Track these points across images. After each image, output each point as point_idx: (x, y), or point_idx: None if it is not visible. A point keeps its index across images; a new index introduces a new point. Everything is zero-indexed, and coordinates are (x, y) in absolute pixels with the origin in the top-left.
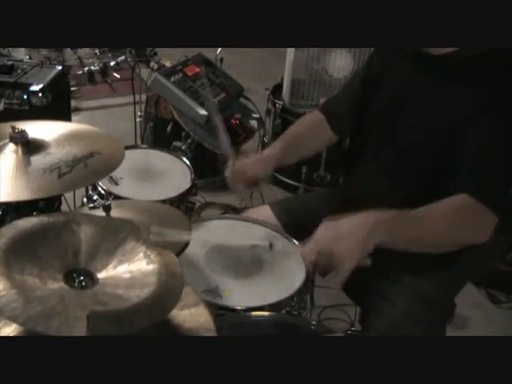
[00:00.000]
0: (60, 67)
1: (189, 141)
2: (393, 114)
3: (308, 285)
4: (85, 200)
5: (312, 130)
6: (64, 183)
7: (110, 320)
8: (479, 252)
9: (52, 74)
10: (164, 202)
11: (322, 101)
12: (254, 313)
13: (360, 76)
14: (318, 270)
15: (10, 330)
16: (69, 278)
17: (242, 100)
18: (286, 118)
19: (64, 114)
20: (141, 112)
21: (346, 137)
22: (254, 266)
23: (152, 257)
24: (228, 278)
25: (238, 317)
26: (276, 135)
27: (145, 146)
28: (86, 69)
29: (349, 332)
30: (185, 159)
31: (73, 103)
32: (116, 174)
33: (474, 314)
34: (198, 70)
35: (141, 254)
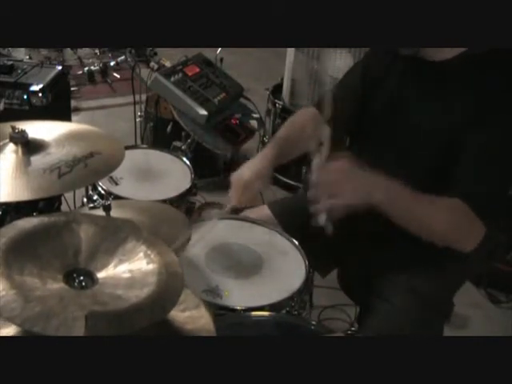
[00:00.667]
0: (60, 67)
1: (189, 141)
2: (393, 115)
3: (308, 285)
4: (85, 200)
5: (305, 127)
6: (64, 183)
7: (108, 320)
8: (478, 251)
9: (52, 74)
10: (164, 201)
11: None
12: (253, 313)
13: (358, 75)
14: (319, 191)
15: (9, 329)
16: (69, 278)
17: (242, 100)
18: (285, 118)
19: (64, 114)
20: (141, 112)
21: (341, 131)
22: (254, 266)
23: (152, 256)
24: (228, 278)
25: (238, 317)
26: None
27: (145, 145)
28: (86, 69)
29: (349, 332)
30: (185, 159)
31: (73, 103)
32: (116, 173)
33: (474, 313)
34: (198, 69)
35: (141, 254)
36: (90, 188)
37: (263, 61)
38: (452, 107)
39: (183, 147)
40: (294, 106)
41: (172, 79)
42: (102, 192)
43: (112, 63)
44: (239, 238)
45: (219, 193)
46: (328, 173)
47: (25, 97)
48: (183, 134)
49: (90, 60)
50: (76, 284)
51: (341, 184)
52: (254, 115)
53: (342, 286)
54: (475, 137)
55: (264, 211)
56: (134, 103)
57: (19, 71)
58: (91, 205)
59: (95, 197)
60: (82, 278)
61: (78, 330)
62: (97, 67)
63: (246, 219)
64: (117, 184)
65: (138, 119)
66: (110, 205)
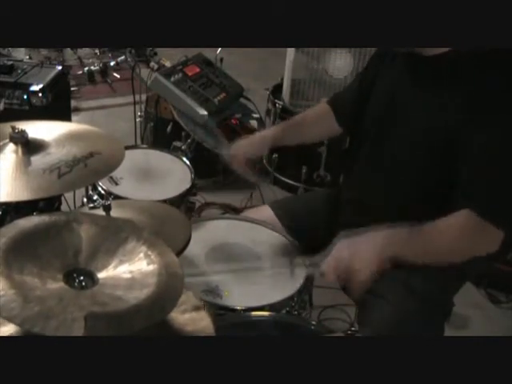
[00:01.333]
0: (60, 67)
1: (189, 141)
2: (391, 113)
3: (308, 285)
4: (85, 200)
5: (317, 117)
6: (64, 183)
7: (108, 321)
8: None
9: (52, 73)
10: (164, 201)
11: (322, 101)
12: (253, 313)
13: (359, 76)
14: (339, 283)
15: (8, 328)
16: (69, 278)
17: (242, 100)
18: (285, 118)
19: (64, 114)
20: (141, 112)
21: (349, 132)
22: (254, 266)
23: (153, 257)
24: (228, 278)
25: (238, 317)
26: None
27: (145, 145)
28: (86, 69)
29: (349, 332)
30: (185, 159)
31: (73, 103)
32: (116, 174)
33: (474, 313)
34: (198, 69)
35: (141, 254)
36: (90, 188)
37: (263, 61)
38: (449, 105)
39: (183, 147)
40: (294, 105)
41: (172, 79)
42: (102, 192)
43: (112, 63)
44: (239, 238)
45: (219, 193)
46: (333, 264)
47: (25, 97)
48: (183, 133)
49: (90, 60)
50: (76, 284)
51: (352, 266)
52: (254, 115)
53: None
54: (475, 137)
55: (265, 211)
56: (134, 103)
57: (19, 71)
58: (91, 205)
59: (95, 197)
60: (82, 278)
61: (77, 330)
62: (97, 67)
63: (246, 219)
64: (117, 184)
65: (138, 119)
66: (110, 205)
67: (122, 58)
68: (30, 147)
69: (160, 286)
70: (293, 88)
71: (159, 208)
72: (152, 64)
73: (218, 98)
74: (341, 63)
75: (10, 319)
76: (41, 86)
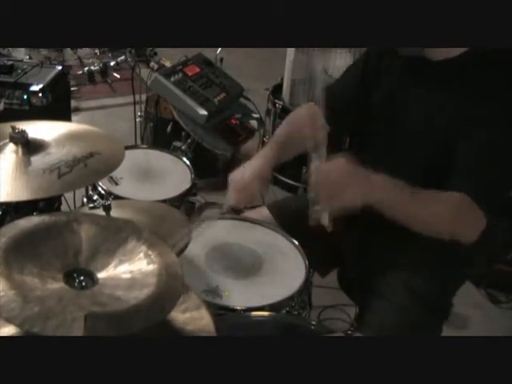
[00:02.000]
0: (60, 67)
1: (189, 141)
2: (392, 114)
3: (307, 285)
4: (85, 200)
5: (304, 126)
6: (64, 183)
7: (107, 321)
8: (476, 250)
9: (52, 74)
10: (164, 201)
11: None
12: (253, 313)
13: (357, 72)
14: (318, 190)
15: (8, 329)
16: (69, 278)
17: (242, 100)
18: (285, 118)
19: (64, 114)
20: (141, 112)
21: (340, 130)
22: (254, 266)
23: (153, 257)
24: (228, 278)
25: (238, 317)
26: None
27: (145, 146)
28: (86, 69)
29: (349, 332)
30: (185, 159)
31: (73, 103)
32: (116, 174)
33: (474, 313)
34: (198, 69)
35: (141, 254)
36: (90, 188)
37: (263, 61)
38: (450, 106)
39: (183, 147)
40: (294, 105)
41: (172, 79)
42: (102, 192)
43: (112, 63)
44: (239, 238)
45: (219, 193)
46: (327, 174)
47: (25, 97)
48: (183, 133)
49: (90, 60)
50: (76, 284)
51: (340, 185)
52: (254, 115)
53: (341, 285)
54: (475, 137)
55: (263, 213)
56: (134, 103)
57: (19, 71)
58: (91, 205)
59: (95, 197)
60: (82, 278)
61: (77, 330)
62: (97, 67)
63: (246, 219)
64: (117, 184)
65: (138, 119)
66: (110, 205)
67: (122, 58)
68: (30, 147)
69: (160, 286)
70: (293, 88)
71: (159, 208)
72: (152, 64)
73: (218, 97)
74: (341, 63)
75: (10, 319)
76: (41, 85)
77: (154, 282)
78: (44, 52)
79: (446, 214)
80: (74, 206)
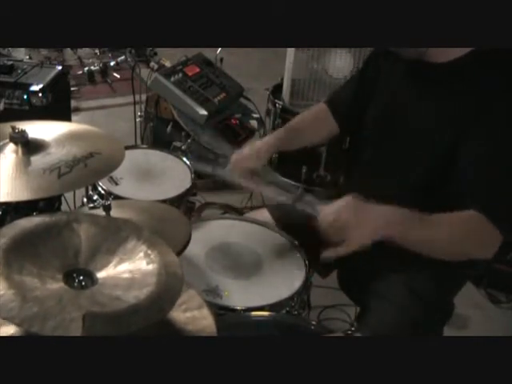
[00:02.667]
0: (60, 67)
1: (189, 141)
2: (392, 116)
3: (307, 285)
4: (85, 200)
5: (315, 119)
6: (64, 183)
7: (106, 321)
8: None
9: (52, 73)
10: (164, 201)
11: (322, 101)
12: (253, 313)
13: (359, 75)
14: (327, 233)
15: (7, 329)
16: (69, 277)
17: (242, 100)
18: (285, 117)
19: (64, 114)
20: (141, 112)
21: (348, 130)
22: (254, 266)
23: (152, 256)
24: (228, 278)
25: (238, 317)
26: None
27: (145, 146)
28: (86, 69)
29: (349, 332)
30: (185, 159)
31: (73, 103)
32: (116, 174)
33: (474, 313)
34: (198, 69)
35: (141, 254)
36: (90, 188)
37: (263, 61)
38: (451, 108)
39: (183, 147)
40: (294, 105)
41: (172, 79)
42: (102, 192)
43: (112, 63)
44: (239, 238)
45: (219, 193)
46: (335, 216)
47: (25, 97)
48: (183, 133)
49: (90, 60)
50: (76, 284)
51: (350, 228)
52: (254, 115)
53: (341, 286)
54: (476, 137)
55: (263, 214)
56: (134, 103)
57: (19, 71)
58: (91, 205)
59: (95, 197)
60: (81, 278)
61: (75, 330)
62: (97, 67)
63: (246, 219)
64: (117, 184)
65: (138, 119)
66: (110, 205)
67: (122, 58)
68: (30, 147)
69: (159, 285)
70: (293, 88)
71: (159, 208)
72: (152, 64)
73: (218, 97)
74: (341, 63)
75: (9, 319)
76: (41, 85)
77: (153, 281)
78: (44, 52)
79: (460, 236)
80: (74, 206)
